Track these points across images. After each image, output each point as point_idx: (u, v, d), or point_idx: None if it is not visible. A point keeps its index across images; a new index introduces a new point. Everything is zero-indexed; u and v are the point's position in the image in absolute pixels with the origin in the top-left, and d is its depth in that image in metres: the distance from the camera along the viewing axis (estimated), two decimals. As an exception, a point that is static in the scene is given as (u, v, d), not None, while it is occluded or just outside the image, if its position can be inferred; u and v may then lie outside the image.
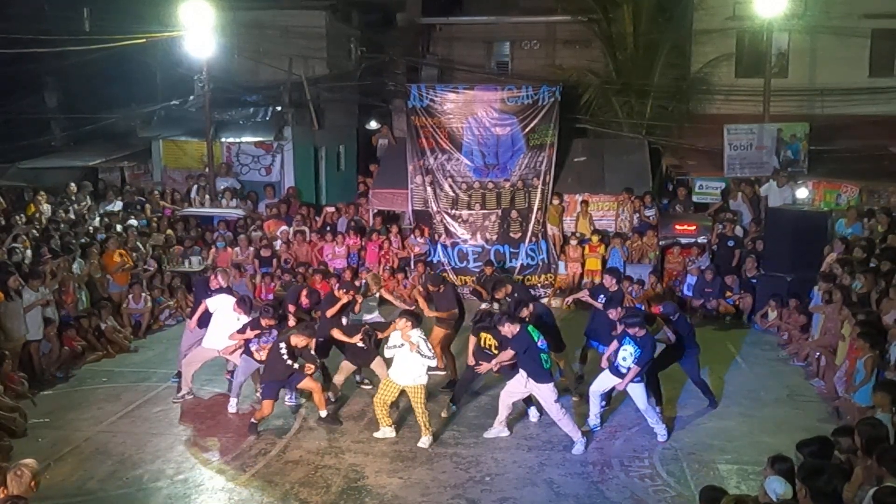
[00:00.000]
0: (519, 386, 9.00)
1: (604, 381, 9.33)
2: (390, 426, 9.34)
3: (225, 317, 10.15)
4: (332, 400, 10.12)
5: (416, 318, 9.25)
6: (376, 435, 9.28)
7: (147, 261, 14.69)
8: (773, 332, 13.29)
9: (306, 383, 9.48)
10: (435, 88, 16.97)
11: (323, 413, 9.56)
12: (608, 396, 9.73)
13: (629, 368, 8.96)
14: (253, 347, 9.79)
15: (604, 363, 9.42)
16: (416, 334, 9.07)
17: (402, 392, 9.25)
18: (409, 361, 9.06)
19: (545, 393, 8.84)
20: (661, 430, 9.17)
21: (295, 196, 18.50)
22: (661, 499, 7.92)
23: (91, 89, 20.25)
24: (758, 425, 9.55)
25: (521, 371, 8.93)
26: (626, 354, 9.01)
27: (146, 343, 13.03)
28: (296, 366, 9.29)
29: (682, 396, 10.35)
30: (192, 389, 10.42)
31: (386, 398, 9.24)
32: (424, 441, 9.09)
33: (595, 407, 9.42)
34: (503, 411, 9.26)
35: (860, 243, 12.49)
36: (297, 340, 9.32)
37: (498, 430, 9.30)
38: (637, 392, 9.09)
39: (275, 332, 9.77)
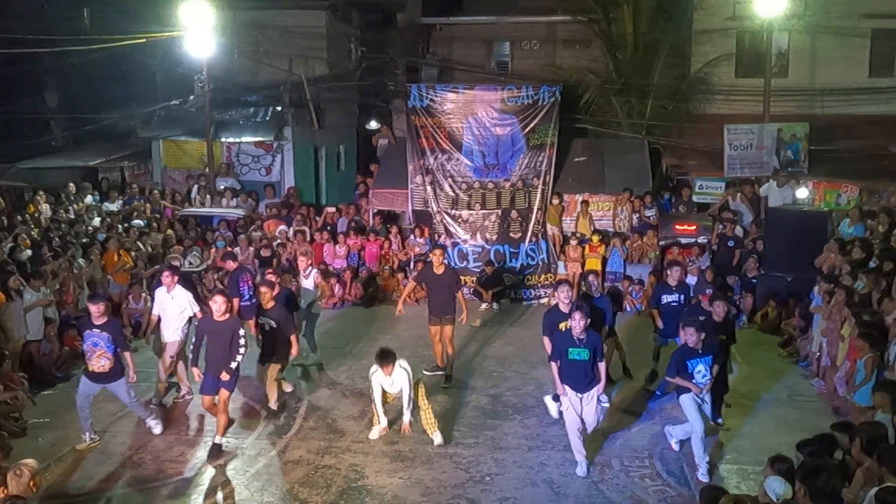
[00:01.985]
0: (576, 402, 8.45)
1: (695, 414, 8.33)
2: (380, 427, 9.28)
3: (168, 307, 10.04)
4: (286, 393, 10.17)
5: (386, 357, 8.92)
6: (371, 436, 9.24)
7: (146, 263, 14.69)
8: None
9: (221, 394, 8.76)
10: (435, 88, 16.95)
11: (219, 439, 8.88)
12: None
13: (709, 378, 8.43)
14: (87, 355, 8.85)
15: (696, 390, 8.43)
16: (401, 375, 8.97)
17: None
18: (398, 383, 9.06)
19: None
20: (677, 436, 8.78)
21: (295, 196, 18.52)
22: (661, 499, 7.92)
23: (91, 89, 20.28)
24: (758, 425, 9.54)
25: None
26: (702, 368, 8.39)
27: (146, 343, 13.00)
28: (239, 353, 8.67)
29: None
30: (191, 389, 10.41)
31: (384, 400, 9.22)
32: (437, 438, 9.05)
33: (703, 456, 8.26)
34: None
35: (857, 243, 12.47)
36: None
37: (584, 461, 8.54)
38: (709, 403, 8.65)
39: (108, 336, 8.73)
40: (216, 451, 8.74)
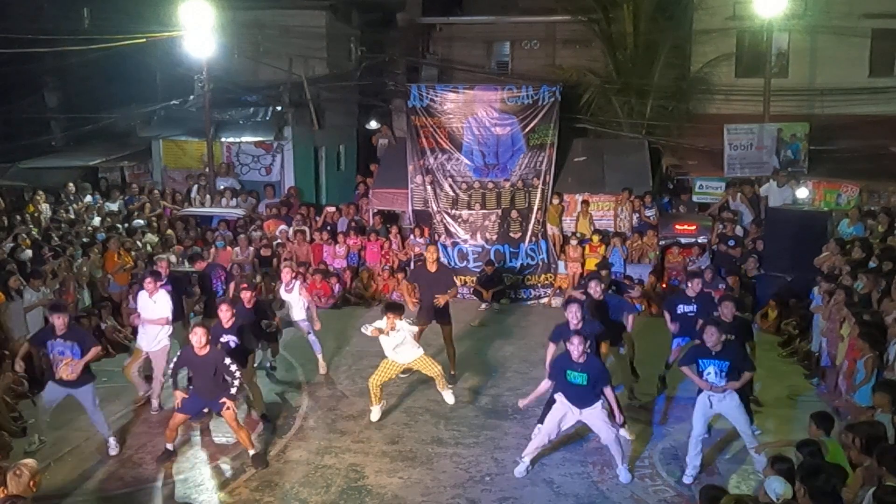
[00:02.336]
0: (566, 414, 8.23)
1: (704, 416, 8.17)
2: (379, 405, 9.64)
3: (149, 310, 9.93)
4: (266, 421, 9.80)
5: (399, 308, 9.43)
6: (372, 417, 9.58)
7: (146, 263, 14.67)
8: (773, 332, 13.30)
9: (226, 415, 8.54)
10: (435, 88, 16.97)
11: (251, 451, 8.70)
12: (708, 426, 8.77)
13: (718, 383, 8.00)
14: (53, 364, 8.66)
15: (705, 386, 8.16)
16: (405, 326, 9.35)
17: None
18: (402, 344, 9.36)
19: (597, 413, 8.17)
20: (759, 458, 7.96)
21: (295, 196, 18.52)
22: (661, 499, 7.93)
23: (91, 89, 20.26)
24: (758, 425, 9.52)
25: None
26: (713, 370, 8.02)
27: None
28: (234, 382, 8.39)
29: (682, 396, 10.32)
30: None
31: (383, 378, 9.52)
32: (448, 396, 9.61)
33: (695, 458, 8.22)
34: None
35: (857, 243, 12.48)
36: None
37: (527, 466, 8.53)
38: (738, 408, 8.10)
39: (72, 344, 8.56)
40: (259, 460, 8.60)
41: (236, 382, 8.39)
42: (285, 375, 11.40)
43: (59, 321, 8.62)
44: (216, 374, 8.37)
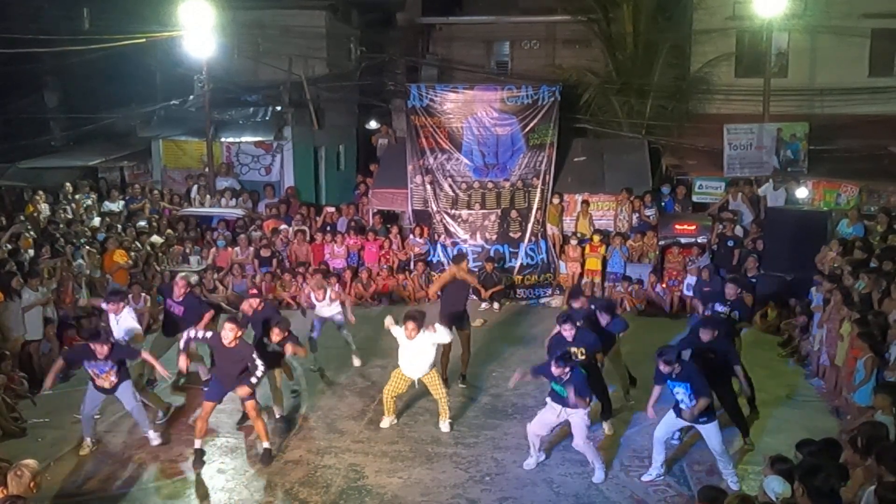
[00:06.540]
0: (552, 415, 8.32)
1: (669, 426, 8.26)
2: (393, 416, 9.63)
3: (113, 329, 9.81)
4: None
5: (419, 318, 9.25)
6: (382, 425, 9.52)
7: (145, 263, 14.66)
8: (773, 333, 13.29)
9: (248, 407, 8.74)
10: (435, 88, 16.96)
11: (266, 444, 8.81)
12: (682, 433, 8.93)
13: (693, 405, 7.86)
14: (91, 372, 8.77)
15: (650, 413, 8.37)
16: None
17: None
18: (419, 355, 9.23)
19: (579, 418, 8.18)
20: (732, 479, 8.05)
21: (294, 196, 18.51)
22: (660, 499, 7.94)
23: (91, 89, 20.25)
24: (758, 425, 9.53)
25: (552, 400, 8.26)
26: (681, 396, 7.97)
27: (146, 343, 12.96)
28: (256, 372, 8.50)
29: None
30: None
31: (396, 390, 9.47)
32: (444, 425, 9.42)
33: (659, 455, 8.30)
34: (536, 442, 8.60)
35: (858, 243, 12.48)
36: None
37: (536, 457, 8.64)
38: (710, 431, 7.98)
39: (111, 363, 8.60)
40: (267, 457, 8.66)
41: (258, 373, 8.50)
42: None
43: (100, 350, 8.52)
44: (240, 367, 8.47)
